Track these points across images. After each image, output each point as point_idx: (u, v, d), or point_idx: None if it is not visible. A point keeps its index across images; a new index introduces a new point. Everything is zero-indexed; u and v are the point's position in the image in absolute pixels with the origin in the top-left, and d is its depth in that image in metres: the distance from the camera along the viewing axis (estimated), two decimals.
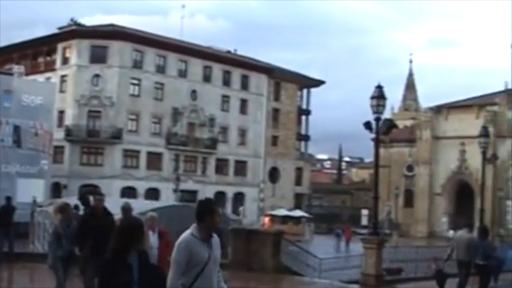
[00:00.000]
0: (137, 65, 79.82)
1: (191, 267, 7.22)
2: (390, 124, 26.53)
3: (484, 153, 38.58)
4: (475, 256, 20.16)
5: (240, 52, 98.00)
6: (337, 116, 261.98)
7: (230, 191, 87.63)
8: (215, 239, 7.49)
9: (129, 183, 75.47)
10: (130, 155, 78.69)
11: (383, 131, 25.79)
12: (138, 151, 79.02)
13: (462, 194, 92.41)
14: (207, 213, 7.41)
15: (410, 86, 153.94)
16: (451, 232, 76.35)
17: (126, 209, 14.58)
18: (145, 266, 6.94)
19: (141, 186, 76.65)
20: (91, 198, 19.09)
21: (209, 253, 7.32)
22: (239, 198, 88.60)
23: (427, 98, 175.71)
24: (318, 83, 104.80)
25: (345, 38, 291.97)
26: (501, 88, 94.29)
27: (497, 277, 23.93)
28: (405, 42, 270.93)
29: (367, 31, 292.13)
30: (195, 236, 7.31)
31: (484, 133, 38.63)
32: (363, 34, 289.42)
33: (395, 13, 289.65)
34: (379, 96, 24.96)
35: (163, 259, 12.95)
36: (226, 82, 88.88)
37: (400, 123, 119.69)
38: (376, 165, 27.70)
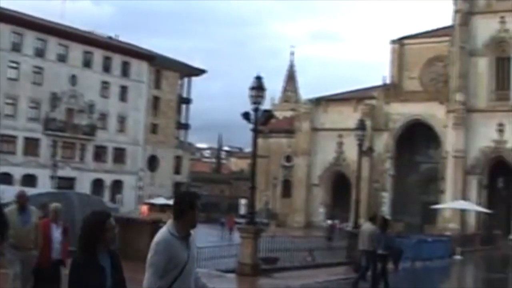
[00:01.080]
0: (16, 48, 78.17)
1: (170, 269, 6.43)
2: (268, 115, 26.77)
3: (360, 146, 39.33)
4: (378, 246, 22.12)
5: (123, 38, 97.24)
6: (218, 106, 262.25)
7: (108, 179, 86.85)
8: (192, 236, 6.72)
9: (5, 169, 73.60)
10: (6, 140, 76.97)
11: (261, 121, 26.05)
12: (14, 136, 77.44)
13: (339, 185, 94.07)
14: (187, 207, 6.61)
15: (290, 77, 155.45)
16: (328, 222, 77.84)
17: (21, 196, 13.65)
18: (118, 269, 6.21)
19: (18, 172, 75.11)
20: None
21: (188, 253, 6.56)
22: (117, 186, 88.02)
23: (308, 90, 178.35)
24: (200, 72, 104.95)
25: (229, 28, 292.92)
26: (379, 82, 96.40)
27: (397, 265, 25.25)
28: (288, 34, 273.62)
29: (251, 22, 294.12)
30: (173, 235, 6.50)
31: (361, 126, 39.35)
32: (247, 25, 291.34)
33: (279, 5, 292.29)
34: (258, 87, 25.13)
35: (66, 257, 12.35)
36: (107, 68, 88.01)
37: (280, 114, 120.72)
38: (254, 155, 27.87)
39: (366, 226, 23.55)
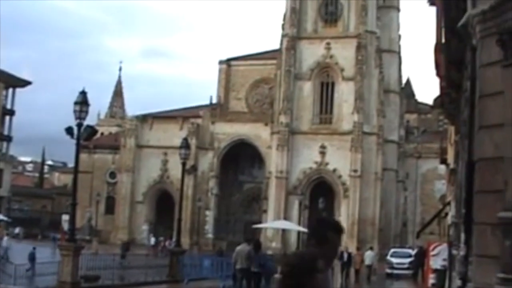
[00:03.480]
0: None
1: None
2: (92, 131, 26.54)
3: (184, 164, 39.56)
4: (252, 265, 25.22)
5: None
6: (44, 118, 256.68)
7: None
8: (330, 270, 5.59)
9: None
10: None
11: (85, 137, 25.77)
12: None
13: (164, 203, 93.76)
14: (332, 232, 5.43)
15: (118, 93, 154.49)
16: (152, 240, 77.73)
17: None
18: None
19: None
20: None
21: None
22: None
23: (137, 106, 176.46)
24: (25, 83, 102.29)
25: (59, 40, 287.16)
26: (206, 101, 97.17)
27: (269, 282, 26.90)
28: (120, 49, 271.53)
29: (82, 35, 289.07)
30: None
31: (185, 144, 39.65)
32: (78, 37, 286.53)
33: (112, 20, 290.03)
34: (82, 102, 24.90)
35: None
36: None
37: (106, 130, 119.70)
38: (75, 171, 27.51)
39: (243, 247, 26.17)
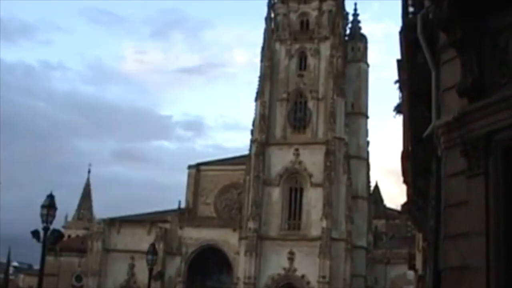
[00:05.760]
0: None
1: None
2: (58, 235, 26.29)
3: (151, 270, 39.23)
4: None
5: None
6: (11, 219, 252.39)
7: None
8: None
9: None
10: None
11: (51, 241, 25.51)
12: None
13: None
14: None
15: (86, 195, 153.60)
16: None
17: None
18: None
19: None
20: None
21: None
22: None
23: (105, 209, 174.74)
24: None
25: (29, 140, 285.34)
26: (175, 206, 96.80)
27: None
28: (90, 151, 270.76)
29: (53, 136, 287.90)
30: None
31: (152, 250, 39.42)
32: (49, 139, 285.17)
33: (84, 121, 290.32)
34: (49, 205, 24.74)
35: None
36: None
37: (73, 232, 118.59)
38: (40, 274, 27.20)
39: None
